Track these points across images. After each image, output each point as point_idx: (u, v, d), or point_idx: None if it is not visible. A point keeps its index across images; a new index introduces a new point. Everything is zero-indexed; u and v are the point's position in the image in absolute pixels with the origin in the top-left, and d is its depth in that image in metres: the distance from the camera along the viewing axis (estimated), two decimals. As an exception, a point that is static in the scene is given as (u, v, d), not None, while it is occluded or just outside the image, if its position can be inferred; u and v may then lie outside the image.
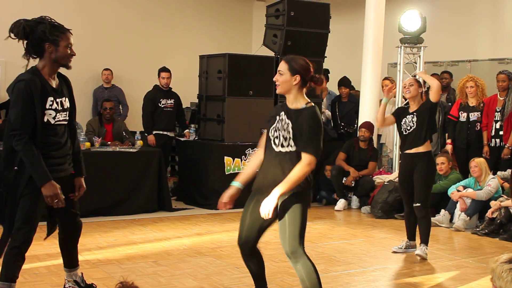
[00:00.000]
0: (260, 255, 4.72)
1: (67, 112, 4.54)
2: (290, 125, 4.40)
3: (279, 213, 4.38)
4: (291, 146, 4.39)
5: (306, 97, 4.48)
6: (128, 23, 12.74)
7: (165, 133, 10.12)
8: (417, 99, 6.76)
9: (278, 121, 4.51)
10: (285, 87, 4.45)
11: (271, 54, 10.09)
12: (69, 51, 4.39)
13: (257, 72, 9.72)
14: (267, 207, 4.29)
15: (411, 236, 6.97)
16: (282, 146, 4.43)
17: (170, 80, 10.16)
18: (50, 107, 4.36)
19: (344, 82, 10.99)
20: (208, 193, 9.44)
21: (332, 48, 10.62)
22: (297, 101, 4.46)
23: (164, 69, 10.20)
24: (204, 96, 10.00)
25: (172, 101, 10.15)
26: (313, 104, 4.46)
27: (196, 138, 10.12)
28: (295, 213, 4.34)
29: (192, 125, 10.37)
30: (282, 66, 4.47)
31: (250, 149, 9.48)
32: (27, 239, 4.35)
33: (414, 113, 6.70)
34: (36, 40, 4.31)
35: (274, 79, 4.50)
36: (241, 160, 9.45)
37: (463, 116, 9.34)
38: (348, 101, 10.95)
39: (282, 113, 4.49)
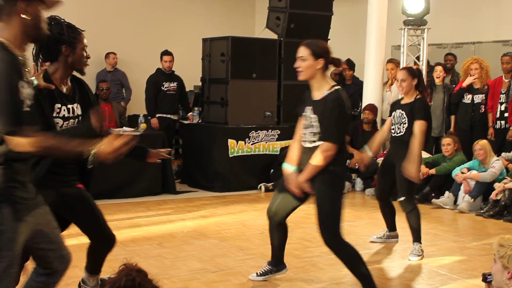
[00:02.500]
0: (286, 229, 4.91)
1: (77, 120, 4.03)
2: (316, 119, 4.48)
3: (316, 198, 4.52)
4: (316, 141, 4.50)
5: (329, 81, 4.52)
6: (130, 7, 12.67)
7: (168, 116, 10.11)
8: (411, 92, 6.13)
9: (305, 118, 4.60)
10: (309, 73, 4.48)
11: (274, 36, 10.05)
12: (84, 54, 4.03)
13: (260, 54, 9.69)
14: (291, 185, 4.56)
15: (390, 227, 6.60)
16: (311, 142, 4.54)
17: (172, 63, 10.15)
18: (57, 115, 3.91)
19: (348, 64, 10.95)
20: (212, 176, 9.45)
21: (335, 31, 10.57)
22: (321, 87, 4.52)
23: (166, 53, 10.17)
24: (207, 79, 9.98)
25: (175, 84, 10.14)
26: (336, 87, 4.52)
27: (199, 121, 10.11)
28: (328, 200, 4.46)
29: (196, 108, 10.36)
30: (304, 52, 4.47)
31: (253, 131, 9.47)
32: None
33: (403, 109, 6.06)
34: (52, 42, 3.83)
35: (295, 65, 4.51)
36: (245, 143, 9.43)
37: (467, 98, 9.30)
38: (352, 83, 10.92)
39: (308, 108, 4.56)
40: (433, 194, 8.76)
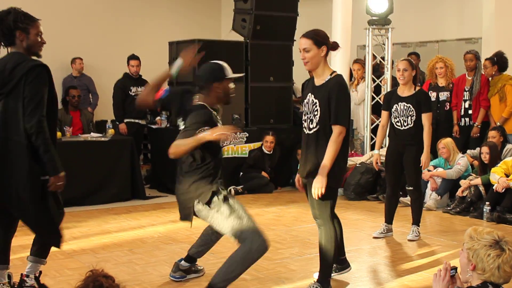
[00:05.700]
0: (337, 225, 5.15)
1: None
2: (318, 103, 4.56)
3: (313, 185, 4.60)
4: (314, 128, 4.59)
5: (329, 67, 4.64)
6: (96, 11, 12.62)
7: (136, 121, 10.08)
8: (410, 83, 6.48)
9: (305, 105, 4.68)
10: (314, 62, 4.60)
11: (241, 39, 10.08)
12: (39, 39, 4.45)
13: (226, 57, 9.50)
14: (317, 188, 4.51)
15: (389, 220, 6.88)
16: (310, 129, 4.63)
17: (139, 67, 10.12)
18: None
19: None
20: (181, 180, 9.42)
21: (301, 32, 10.43)
22: (323, 73, 4.62)
23: (133, 57, 10.14)
24: (175, 83, 9.97)
25: (142, 88, 10.10)
26: (337, 73, 4.63)
27: (168, 125, 10.09)
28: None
29: (164, 112, 10.33)
30: (306, 43, 4.60)
31: (222, 134, 9.46)
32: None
33: (408, 102, 6.43)
34: (7, 28, 4.35)
35: (301, 57, 4.62)
36: (213, 146, 9.42)
37: (432, 96, 9.40)
38: (318, 84, 10.96)
39: (309, 94, 4.66)
40: (401, 193, 8.84)
